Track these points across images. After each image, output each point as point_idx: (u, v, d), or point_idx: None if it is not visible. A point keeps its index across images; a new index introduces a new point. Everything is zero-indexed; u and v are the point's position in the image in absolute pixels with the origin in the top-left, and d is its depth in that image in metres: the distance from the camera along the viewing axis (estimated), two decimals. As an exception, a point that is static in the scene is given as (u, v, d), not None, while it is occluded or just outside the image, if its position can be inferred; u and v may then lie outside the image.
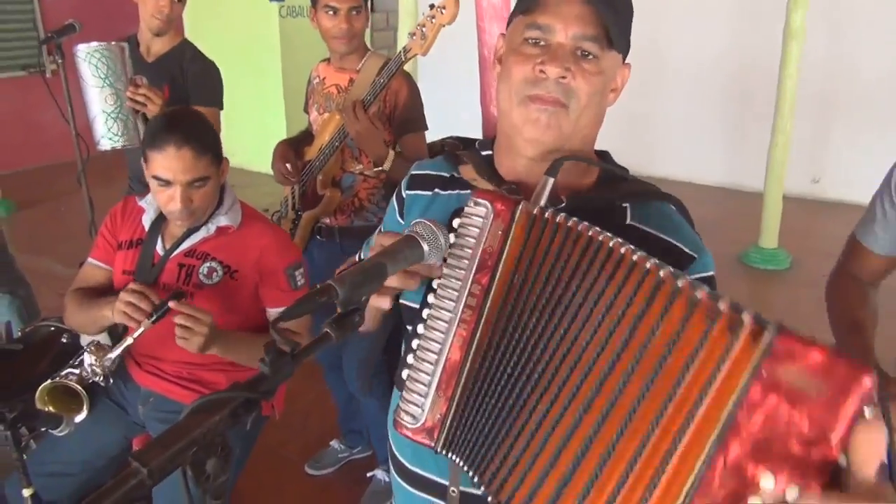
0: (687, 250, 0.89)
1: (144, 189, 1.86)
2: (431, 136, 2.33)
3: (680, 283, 0.64)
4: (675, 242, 0.89)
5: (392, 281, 0.81)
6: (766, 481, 0.56)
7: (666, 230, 0.90)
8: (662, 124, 6.20)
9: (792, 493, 0.55)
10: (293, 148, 2.46)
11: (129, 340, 1.63)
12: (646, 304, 0.67)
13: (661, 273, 0.66)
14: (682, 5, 6.10)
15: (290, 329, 1.73)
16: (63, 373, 1.74)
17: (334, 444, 2.73)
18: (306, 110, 2.52)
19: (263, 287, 1.78)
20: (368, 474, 2.57)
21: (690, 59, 6.29)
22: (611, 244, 0.72)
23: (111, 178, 2.66)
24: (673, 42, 6.09)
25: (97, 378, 1.75)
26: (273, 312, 1.81)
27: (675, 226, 0.92)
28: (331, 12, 2.16)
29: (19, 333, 2.59)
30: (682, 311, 0.64)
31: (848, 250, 1.45)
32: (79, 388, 1.70)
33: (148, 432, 1.86)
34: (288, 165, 2.35)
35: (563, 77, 0.86)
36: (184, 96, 2.46)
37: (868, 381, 0.54)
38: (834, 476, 0.56)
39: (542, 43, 0.87)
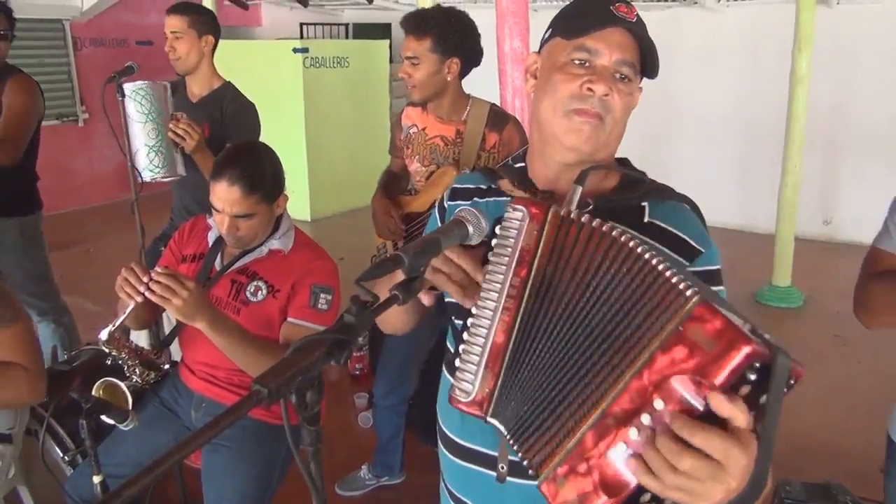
0: (695, 245, 1.02)
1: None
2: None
3: (668, 273, 0.79)
4: (685, 237, 1.03)
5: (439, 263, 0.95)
6: (658, 404, 0.73)
7: (679, 226, 1.03)
8: (677, 169, 6.35)
9: (668, 415, 0.72)
10: (389, 197, 2.48)
11: (127, 310, 1.66)
12: (645, 290, 0.81)
13: (660, 266, 0.80)
14: (694, 55, 6.32)
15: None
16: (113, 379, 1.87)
17: (364, 471, 2.78)
18: (392, 153, 2.58)
19: (290, 299, 1.86)
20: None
21: (702, 107, 6.50)
22: (622, 238, 0.84)
23: (151, 216, 2.83)
24: (686, 91, 6.29)
25: (133, 373, 1.89)
26: (289, 322, 1.85)
27: (686, 222, 1.05)
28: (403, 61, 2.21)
29: (65, 356, 2.74)
30: (664, 291, 0.78)
31: (868, 260, 1.56)
32: (120, 383, 1.82)
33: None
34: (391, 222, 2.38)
35: (607, 94, 1.00)
36: (222, 134, 2.63)
37: (747, 350, 0.68)
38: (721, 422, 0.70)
39: (587, 64, 1.02)
